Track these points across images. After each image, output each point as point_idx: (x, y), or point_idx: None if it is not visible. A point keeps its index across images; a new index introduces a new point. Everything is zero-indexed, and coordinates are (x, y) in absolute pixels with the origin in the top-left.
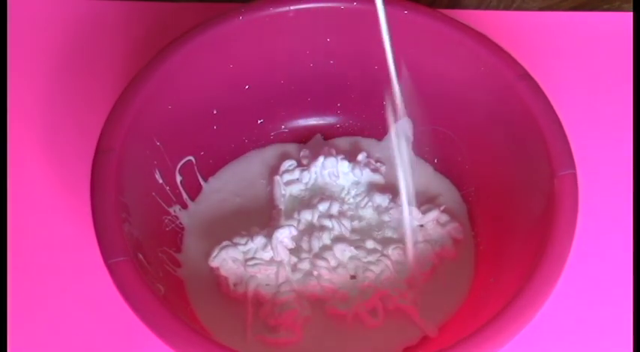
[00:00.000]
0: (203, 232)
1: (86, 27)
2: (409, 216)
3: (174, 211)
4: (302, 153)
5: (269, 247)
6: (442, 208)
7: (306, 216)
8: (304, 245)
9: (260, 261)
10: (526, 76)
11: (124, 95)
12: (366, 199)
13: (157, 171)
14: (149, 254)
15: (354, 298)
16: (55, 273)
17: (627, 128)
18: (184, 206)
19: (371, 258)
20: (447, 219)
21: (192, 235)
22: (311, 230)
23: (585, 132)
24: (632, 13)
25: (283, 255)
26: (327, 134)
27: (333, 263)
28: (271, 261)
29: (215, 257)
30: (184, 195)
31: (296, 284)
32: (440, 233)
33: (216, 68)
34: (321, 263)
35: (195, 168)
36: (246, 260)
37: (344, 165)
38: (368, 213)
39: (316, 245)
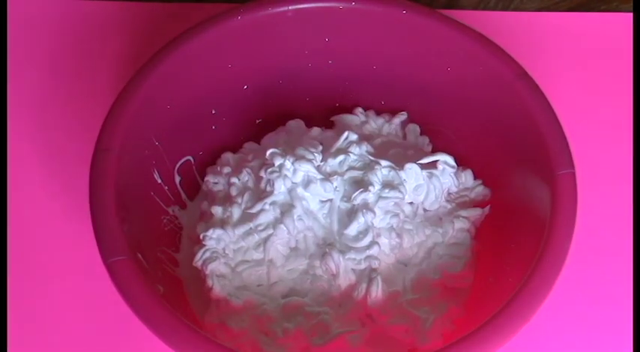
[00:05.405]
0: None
1: (85, 27)
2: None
3: (173, 211)
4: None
5: (261, 248)
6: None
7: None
8: (300, 245)
9: (249, 263)
10: (525, 76)
11: (123, 95)
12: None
13: (156, 171)
14: (148, 253)
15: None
16: (55, 273)
17: (626, 128)
18: (183, 206)
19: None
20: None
21: (190, 235)
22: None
23: (584, 132)
24: (630, 14)
25: (274, 255)
26: None
27: (331, 263)
28: (261, 261)
29: (199, 259)
30: (183, 195)
31: (292, 283)
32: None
33: (214, 68)
34: (317, 263)
35: (194, 168)
36: (236, 265)
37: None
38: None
39: (312, 247)
